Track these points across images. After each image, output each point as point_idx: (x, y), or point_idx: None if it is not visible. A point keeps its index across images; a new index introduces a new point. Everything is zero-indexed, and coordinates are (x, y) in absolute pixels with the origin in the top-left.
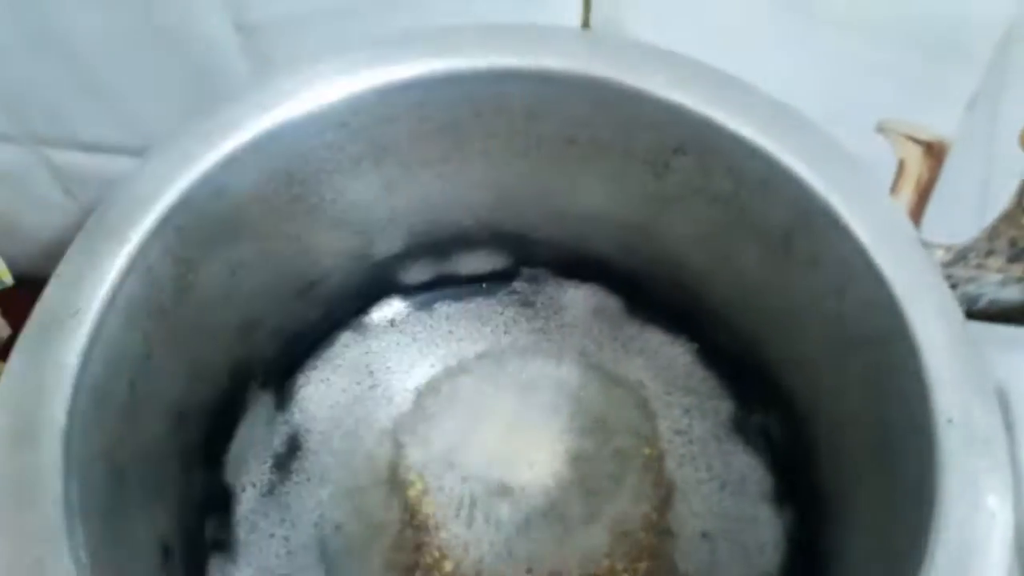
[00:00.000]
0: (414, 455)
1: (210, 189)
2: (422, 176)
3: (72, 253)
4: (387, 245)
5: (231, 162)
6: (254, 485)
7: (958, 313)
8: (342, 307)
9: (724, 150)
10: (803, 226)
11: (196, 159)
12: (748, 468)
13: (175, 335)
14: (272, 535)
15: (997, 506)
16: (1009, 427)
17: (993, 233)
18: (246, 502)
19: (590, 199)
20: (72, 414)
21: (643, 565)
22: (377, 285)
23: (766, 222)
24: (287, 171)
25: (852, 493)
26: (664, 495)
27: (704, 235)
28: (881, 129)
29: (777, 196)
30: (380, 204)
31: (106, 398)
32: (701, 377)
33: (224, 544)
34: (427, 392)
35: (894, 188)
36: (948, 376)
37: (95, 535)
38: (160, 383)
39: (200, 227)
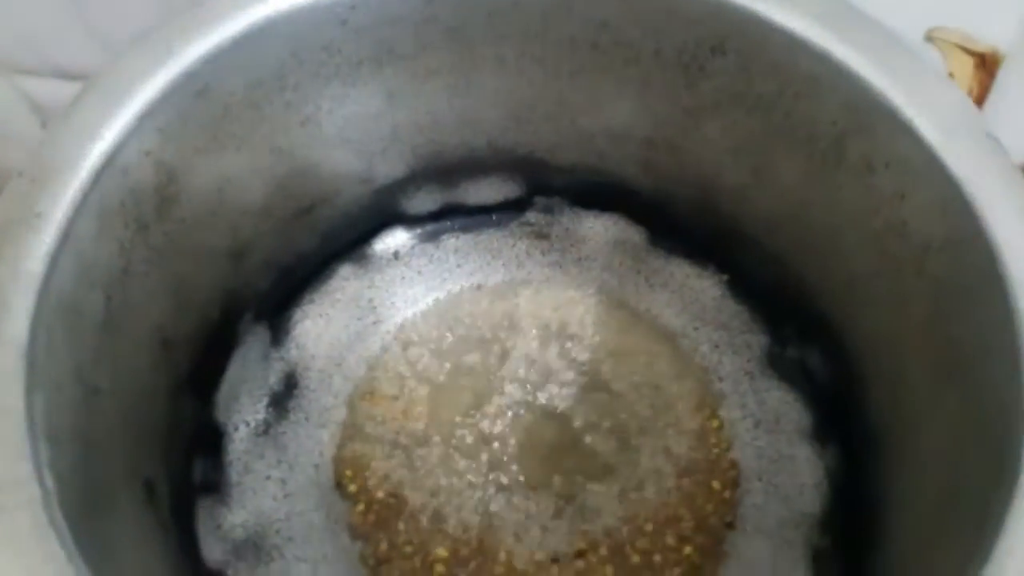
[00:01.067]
0: (419, 391)
1: (194, 87)
2: (428, 87)
3: (39, 149)
4: (389, 168)
5: (217, 57)
6: (247, 424)
7: None
8: (341, 236)
9: (769, 47)
10: (857, 128)
11: (178, 53)
12: (784, 405)
13: (158, 253)
14: (268, 477)
15: None
16: None
17: None
18: (239, 442)
19: (613, 113)
20: (36, 323)
21: (671, 510)
22: (379, 213)
23: (814, 127)
24: (279, 73)
25: (911, 427)
26: (693, 436)
27: (740, 148)
28: (931, 38)
29: (828, 96)
30: (382, 119)
31: (77, 310)
32: (732, 310)
33: (214, 485)
34: (431, 321)
35: None
36: None
37: (64, 458)
38: (141, 303)
39: (183, 131)
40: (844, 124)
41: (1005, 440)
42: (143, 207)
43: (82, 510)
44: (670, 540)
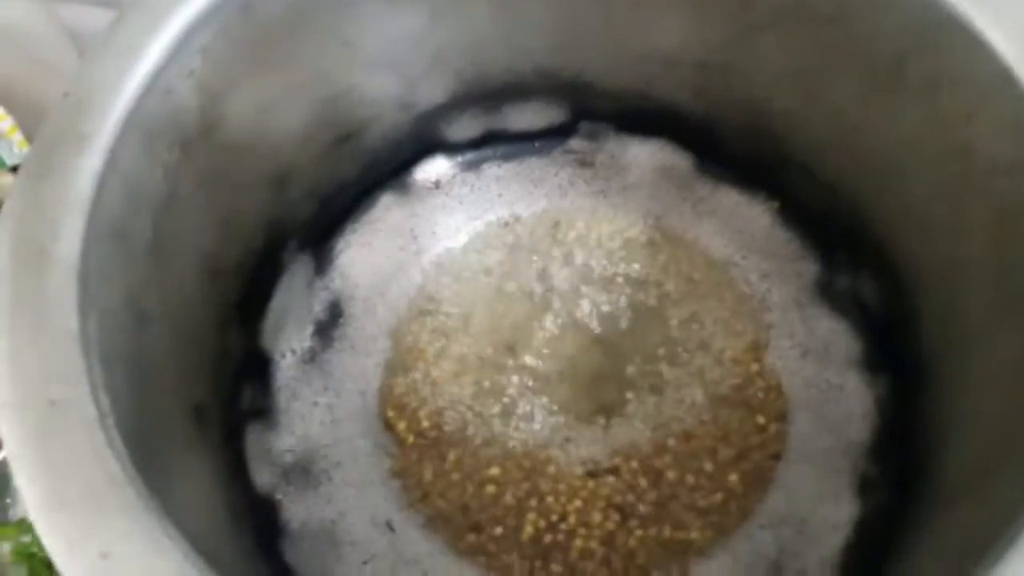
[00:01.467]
0: (461, 320)
1: (235, 6)
2: (472, 7)
3: (82, 70)
4: (431, 92)
5: None
6: (294, 352)
7: None
8: (382, 164)
9: None
10: (922, 44)
11: None
12: (833, 334)
13: (202, 178)
14: (315, 403)
15: None
16: None
17: None
18: (286, 368)
19: (664, 35)
20: (87, 245)
21: (715, 439)
22: (420, 140)
23: (874, 45)
24: None
25: (966, 355)
26: (740, 365)
27: (795, 69)
28: None
29: (891, 10)
30: (424, 41)
31: (125, 235)
32: (782, 239)
33: (263, 411)
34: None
35: None
36: None
37: (117, 379)
38: (187, 229)
39: (225, 51)
40: (907, 41)
41: None
42: (187, 130)
43: (136, 433)
44: (709, 466)
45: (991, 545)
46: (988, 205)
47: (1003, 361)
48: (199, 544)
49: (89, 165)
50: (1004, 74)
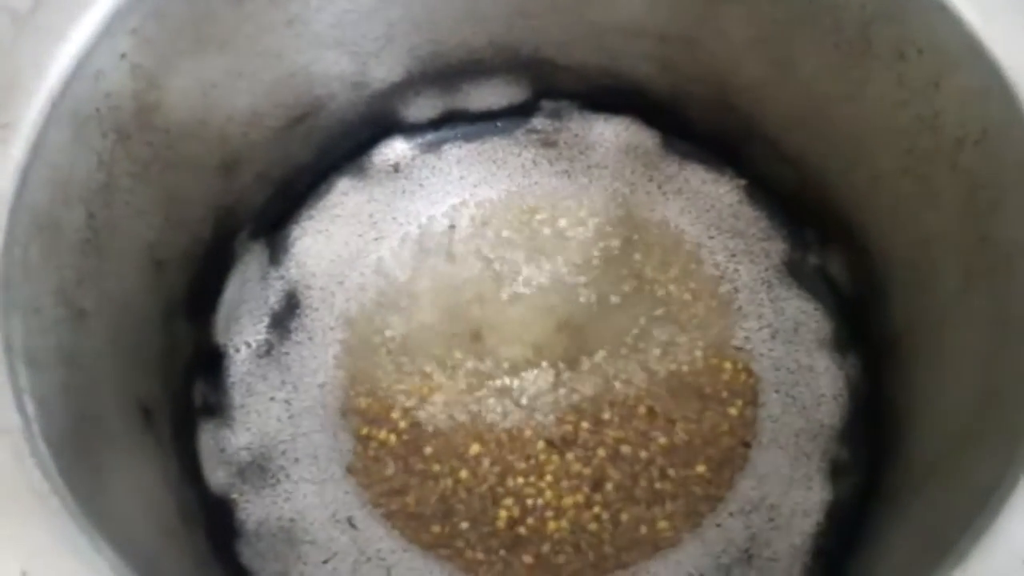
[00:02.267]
0: (423, 304)
1: None
2: None
3: (1, 56)
4: (386, 70)
5: None
6: (249, 345)
7: None
8: (338, 147)
9: None
10: (887, 12)
11: None
12: (803, 314)
13: (143, 166)
14: (272, 398)
15: None
16: None
17: None
18: (240, 363)
19: (628, 6)
20: (10, 241)
21: (685, 423)
22: (376, 122)
23: (839, 12)
24: None
25: (937, 331)
26: (711, 347)
27: (759, 39)
28: None
29: None
30: (375, 17)
31: (55, 228)
32: (750, 217)
33: (217, 408)
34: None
35: None
36: None
37: (47, 382)
38: (127, 220)
39: (161, 32)
40: (873, 8)
41: None
42: (122, 115)
43: (69, 438)
44: (678, 451)
45: (960, 530)
46: (957, 177)
47: (973, 337)
48: (141, 552)
49: (12, 157)
50: (970, 42)
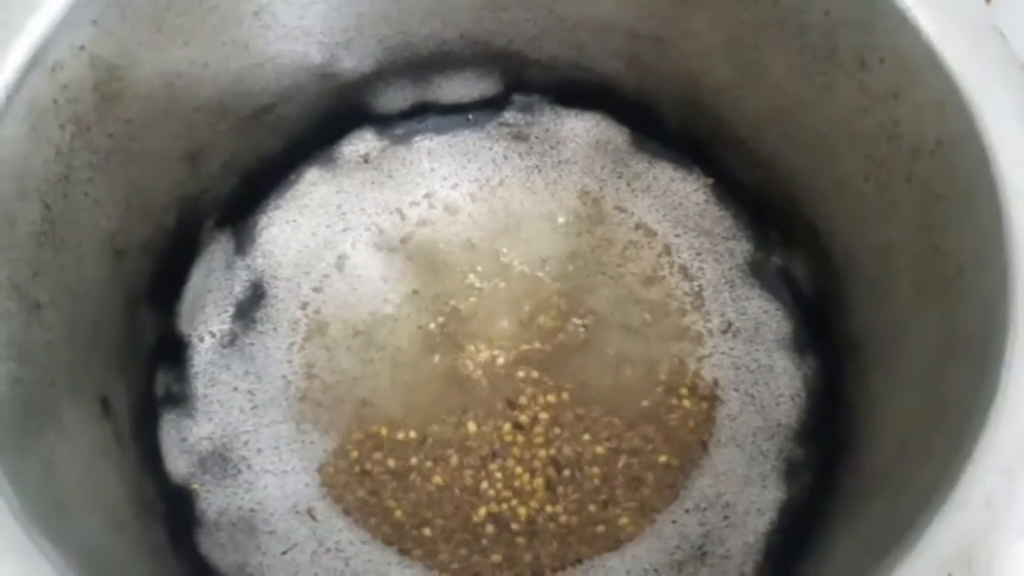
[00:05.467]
0: (391, 296)
1: None
2: None
3: None
4: (355, 61)
5: None
6: (213, 335)
7: None
8: (306, 138)
9: None
10: (851, 20)
11: None
12: (764, 314)
13: (104, 157)
14: (235, 388)
15: None
16: None
17: None
18: (204, 353)
19: (597, 2)
20: None
21: (643, 419)
22: (346, 113)
23: (804, 17)
24: None
25: (892, 338)
26: (672, 344)
27: (728, 42)
28: None
29: None
30: (343, 7)
31: (9, 221)
32: (716, 216)
33: (179, 398)
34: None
35: None
36: None
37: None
38: (87, 211)
39: (121, 23)
40: (837, 15)
41: (988, 352)
42: (81, 107)
43: (18, 429)
44: (635, 446)
45: (900, 533)
46: (915, 186)
47: (925, 347)
48: (90, 545)
49: None
50: (929, 53)
